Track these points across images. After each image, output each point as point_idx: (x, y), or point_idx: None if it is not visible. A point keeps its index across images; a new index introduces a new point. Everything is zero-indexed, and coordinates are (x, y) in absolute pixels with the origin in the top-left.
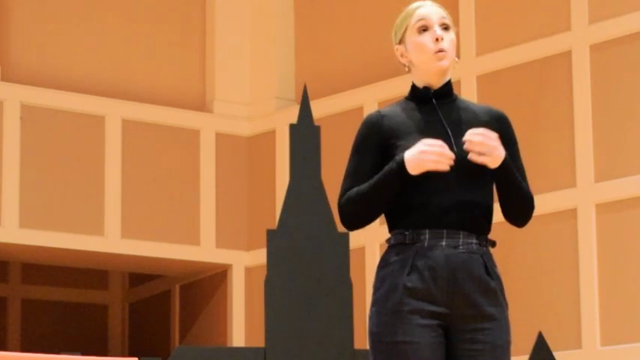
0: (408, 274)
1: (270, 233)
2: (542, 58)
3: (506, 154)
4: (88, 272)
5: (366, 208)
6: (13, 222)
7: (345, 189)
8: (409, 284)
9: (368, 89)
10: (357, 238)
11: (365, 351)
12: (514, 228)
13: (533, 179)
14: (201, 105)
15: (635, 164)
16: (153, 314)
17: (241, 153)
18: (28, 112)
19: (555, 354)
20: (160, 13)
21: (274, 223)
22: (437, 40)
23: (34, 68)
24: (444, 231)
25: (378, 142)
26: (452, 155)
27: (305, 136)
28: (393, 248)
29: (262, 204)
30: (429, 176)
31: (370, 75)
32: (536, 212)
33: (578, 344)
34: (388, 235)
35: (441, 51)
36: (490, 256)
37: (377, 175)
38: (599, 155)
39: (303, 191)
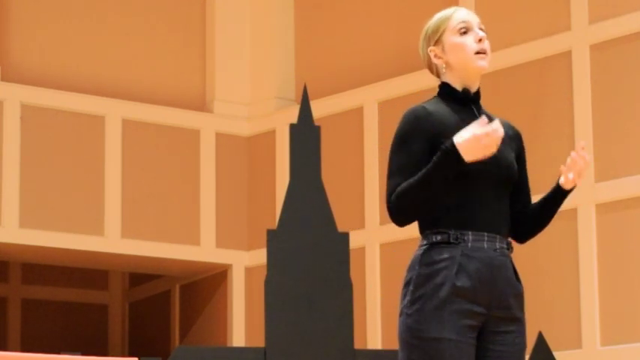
0: (456, 273)
1: (270, 233)
2: (542, 58)
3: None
4: (88, 272)
5: (418, 200)
6: (13, 222)
7: (394, 186)
8: (458, 283)
9: (368, 89)
10: (357, 238)
11: (365, 351)
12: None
13: (533, 179)
14: (201, 105)
15: (635, 164)
16: (153, 314)
17: (241, 153)
18: (28, 112)
19: (555, 354)
20: (160, 13)
21: (274, 223)
22: (480, 40)
23: (34, 68)
24: (485, 234)
25: (425, 136)
26: (502, 133)
27: (305, 136)
28: (435, 246)
29: (262, 204)
30: (472, 178)
31: (370, 75)
32: None
33: (578, 344)
34: (388, 235)
35: (482, 52)
36: (512, 260)
37: (427, 166)
38: (599, 155)
39: (303, 191)
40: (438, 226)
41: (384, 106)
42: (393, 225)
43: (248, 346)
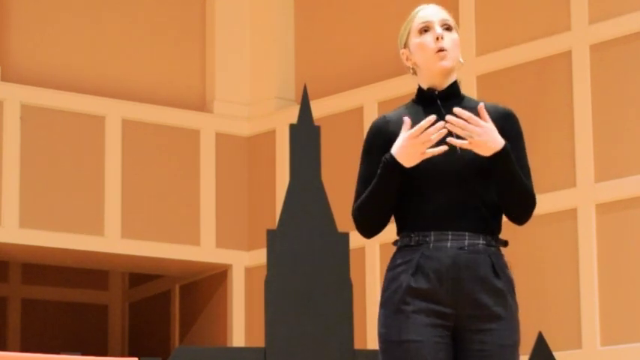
0: (413, 275)
1: (270, 233)
2: (542, 58)
3: (507, 146)
4: (88, 272)
5: (372, 212)
6: (13, 222)
7: (355, 198)
8: (413, 284)
9: (368, 89)
10: (357, 238)
11: (365, 351)
12: (514, 227)
13: (534, 179)
14: (201, 105)
15: (635, 164)
16: (153, 314)
17: (241, 153)
18: (28, 112)
19: (555, 354)
20: (159, 13)
21: (274, 223)
22: (437, 39)
23: (34, 68)
24: (449, 232)
25: (383, 147)
26: (441, 125)
27: (305, 136)
28: (399, 250)
29: (262, 204)
30: (430, 178)
31: (370, 75)
32: (536, 212)
33: (578, 344)
34: (387, 235)
35: (441, 50)
36: (500, 256)
37: (374, 179)
38: (599, 155)
39: (303, 191)
40: (403, 231)
41: (384, 106)
42: (392, 225)
43: (248, 346)
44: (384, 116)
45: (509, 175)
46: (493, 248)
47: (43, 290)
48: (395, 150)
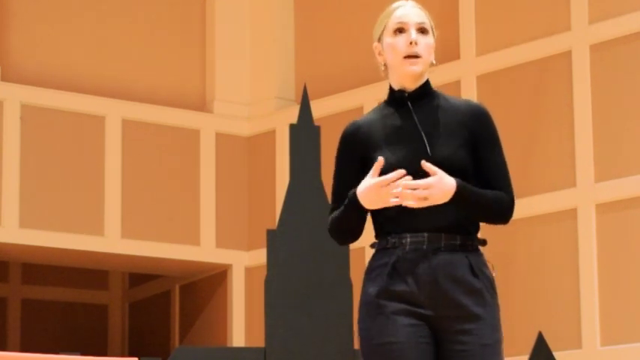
0: (391, 278)
1: (270, 233)
2: (542, 58)
3: (459, 184)
4: (88, 272)
5: (342, 233)
6: (13, 222)
7: (330, 209)
8: (391, 287)
9: (368, 89)
10: None
11: None
12: (514, 228)
13: (534, 179)
14: (201, 105)
15: (635, 164)
16: (153, 314)
17: (241, 153)
18: (28, 112)
19: (555, 354)
20: (159, 13)
21: (274, 223)
22: (411, 43)
23: (34, 68)
24: (425, 234)
25: (354, 155)
26: (416, 184)
27: (305, 136)
28: (376, 254)
29: (262, 204)
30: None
31: (370, 75)
32: (536, 212)
33: (578, 344)
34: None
35: (412, 56)
36: (478, 255)
37: (342, 206)
38: (599, 155)
39: (303, 191)
40: (380, 234)
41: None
42: None
43: (248, 346)
44: (355, 122)
45: (473, 207)
46: (471, 248)
47: (43, 290)
48: (360, 191)
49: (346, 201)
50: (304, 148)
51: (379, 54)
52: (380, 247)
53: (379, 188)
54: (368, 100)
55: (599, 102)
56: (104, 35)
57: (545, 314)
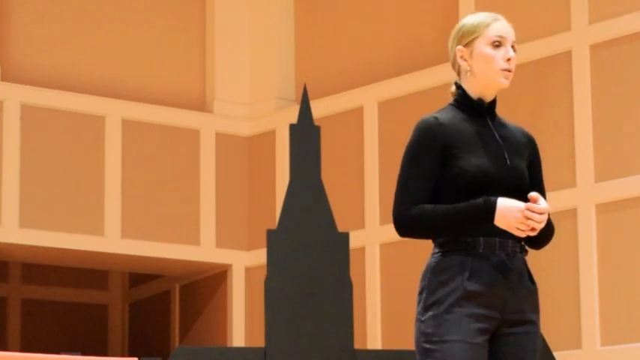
0: (468, 278)
1: (270, 233)
2: (542, 58)
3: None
4: (88, 272)
5: (436, 231)
6: (13, 222)
7: (405, 200)
8: (469, 288)
9: (368, 89)
10: (357, 238)
11: (365, 351)
12: None
13: None
14: (201, 105)
15: (635, 164)
16: (153, 314)
17: (241, 153)
18: (28, 112)
19: (555, 354)
20: (159, 13)
21: (274, 223)
22: (509, 60)
23: (34, 68)
24: (497, 239)
25: (439, 149)
26: (542, 209)
27: (305, 136)
28: (447, 254)
29: (262, 204)
30: (483, 188)
31: (370, 75)
32: None
33: (578, 344)
34: (388, 235)
35: (508, 70)
36: (527, 263)
37: (458, 208)
38: (599, 155)
39: (303, 191)
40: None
41: (384, 106)
42: (392, 225)
43: (248, 346)
44: (436, 117)
45: (544, 231)
46: (525, 254)
47: (43, 290)
48: (501, 207)
49: (470, 205)
50: (304, 148)
51: (462, 58)
52: (452, 248)
53: (522, 213)
54: (368, 100)
55: (599, 102)
56: (104, 35)
57: (545, 314)
